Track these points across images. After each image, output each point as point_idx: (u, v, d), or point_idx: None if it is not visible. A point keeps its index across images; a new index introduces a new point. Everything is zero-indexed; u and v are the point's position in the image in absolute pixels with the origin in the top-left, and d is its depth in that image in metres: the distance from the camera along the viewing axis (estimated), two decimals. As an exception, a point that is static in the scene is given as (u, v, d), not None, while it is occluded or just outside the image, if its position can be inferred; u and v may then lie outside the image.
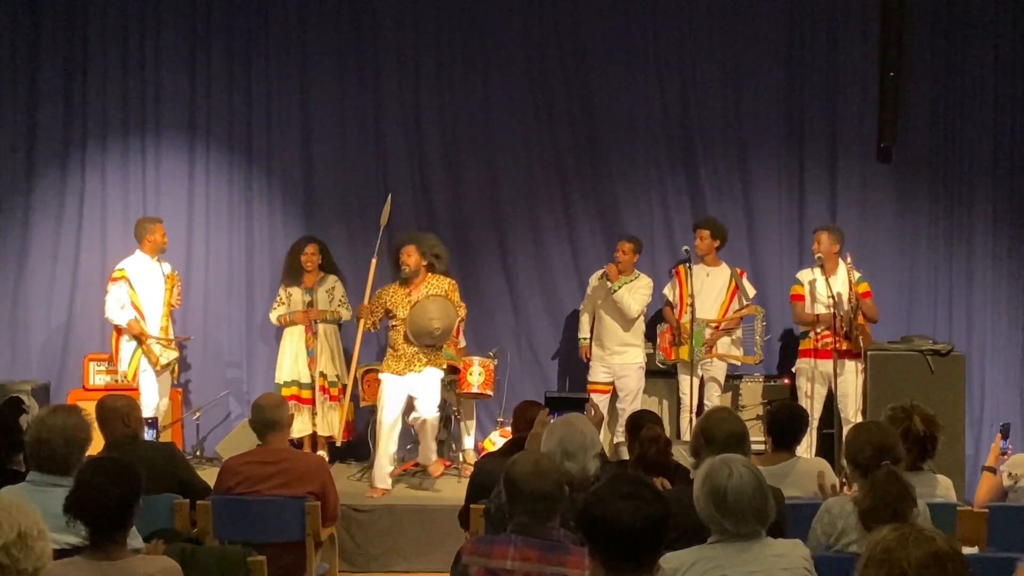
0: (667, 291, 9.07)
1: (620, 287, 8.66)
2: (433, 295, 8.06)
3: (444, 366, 8.25)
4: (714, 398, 8.75)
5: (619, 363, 8.79)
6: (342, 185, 9.63)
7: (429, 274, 8.22)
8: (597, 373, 8.89)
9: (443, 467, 8.19)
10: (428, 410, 7.97)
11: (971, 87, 9.54)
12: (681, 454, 5.60)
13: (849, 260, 8.51)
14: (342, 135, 9.61)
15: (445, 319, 8.00)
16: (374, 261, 8.44)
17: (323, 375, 8.84)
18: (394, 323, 8.15)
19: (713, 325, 8.73)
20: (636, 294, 8.69)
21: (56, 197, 9.46)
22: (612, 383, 8.85)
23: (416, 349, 8.02)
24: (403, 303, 8.09)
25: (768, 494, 3.70)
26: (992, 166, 9.54)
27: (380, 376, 8.20)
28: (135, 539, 4.09)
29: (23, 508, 2.94)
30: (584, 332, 9.05)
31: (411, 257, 8.10)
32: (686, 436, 7.98)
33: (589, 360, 8.97)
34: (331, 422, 8.89)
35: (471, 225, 9.58)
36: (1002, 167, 9.54)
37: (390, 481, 8.11)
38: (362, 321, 8.24)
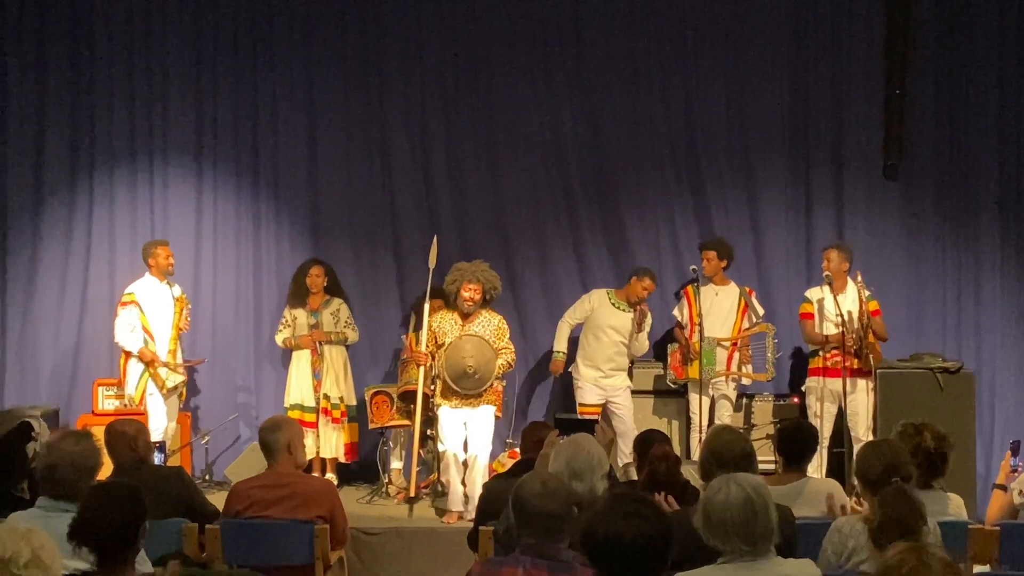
0: (676, 312, 9.05)
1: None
2: (467, 335, 8.02)
3: (498, 403, 8.24)
4: (725, 416, 8.71)
5: (611, 384, 8.75)
6: (348, 208, 9.64)
7: (482, 309, 8.19)
8: (590, 395, 8.77)
9: (456, 519, 8.04)
10: (481, 448, 7.98)
11: (976, 103, 9.53)
12: (691, 473, 5.57)
13: (860, 279, 8.49)
14: (348, 158, 9.63)
15: (479, 357, 7.91)
16: (427, 305, 8.31)
17: (326, 396, 8.83)
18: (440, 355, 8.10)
19: (729, 344, 8.72)
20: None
21: (64, 222, 9.49)
22: (602, 404, 8.76)
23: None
24: (454, 332, 8.05)
25: (763, 513, 3.63)
26: (999, 182, 9.51)
27: (438, 409, 8.12)
28: (144, 564, 4.08)
29: (19, 535, 2.94)
30: (561, 345, 8.94)
31: (477, 295, 8.08)
32: (696, 456, 7.94)
33: (561, 374, 8.93)
34: (333, 443, 8.89)
35: (478, 247, 9.54)
36: (1009, 183, 9.52)
37: (463, 505, 8.00)
38: (422, 369, 8.14)
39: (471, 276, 8.10)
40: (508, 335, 8.23)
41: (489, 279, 8.19)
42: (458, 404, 8.02)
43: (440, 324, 8.13)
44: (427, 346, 8.13)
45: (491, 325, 8.12)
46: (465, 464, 8.08)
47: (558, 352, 8.96)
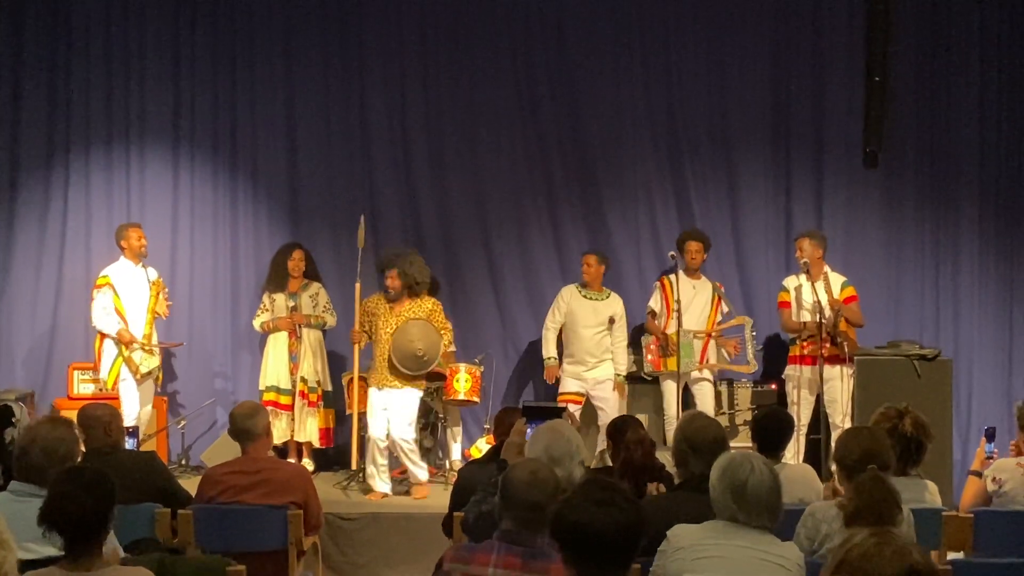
0: (652, 303, 9.00)
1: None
2: (413, 318, 8.12)
3: (424, 386, 8.34)
4: (707, 402, 8.67)
5: (594, 376, 8.72)
6: (327, 192, 9.60)
7: (409, 298, 8.26)
8: (571, 384, 8.75)
9: (427, 491, 8.17)
10: (398, 430, 8.09)
11: (956, 91, 9.54)
12: (665, 458, 5.57)
13: (826, 268, 8.51)
14: (327, 142, 9.58)
15: (426, 339, 8.05)
16: (358, 285, 8.44)
17: (304, 380, 8.81)
18: (376, 338, 8.23)
19: (703, 336, 8.70)
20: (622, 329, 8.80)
21: (40, 205, 9.41)
22: (583, 394, 8.75)
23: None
24: (386, 316, 8.18)
25: (780, 493, 3.82)
26: (978, 170, 9.54)
27: (369, 390, 8.24)
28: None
29: None
30: (550, 351, 8.89)
31: (395, 281, 8.21)
32: (670, 442, 7.91)
33: (558, 379, 8.87)
34: (308, 428, 8.86)
35: (457, 232, 9.55)
36: (988, 171, 9.54)
37: (387, 486, 8.17)
38: (356, 346, 8.29)
39: (393, 263, 8.24)
40: (443, 315, 8.39)
41: (411, 273, 8.22)
42: (382, 383, 8.13)
43: (376, 308, 8.28)
44: (361, 326, 8.28)
45: (423, 310, 8.23)
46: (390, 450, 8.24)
47: (549, 359, 8.88)
